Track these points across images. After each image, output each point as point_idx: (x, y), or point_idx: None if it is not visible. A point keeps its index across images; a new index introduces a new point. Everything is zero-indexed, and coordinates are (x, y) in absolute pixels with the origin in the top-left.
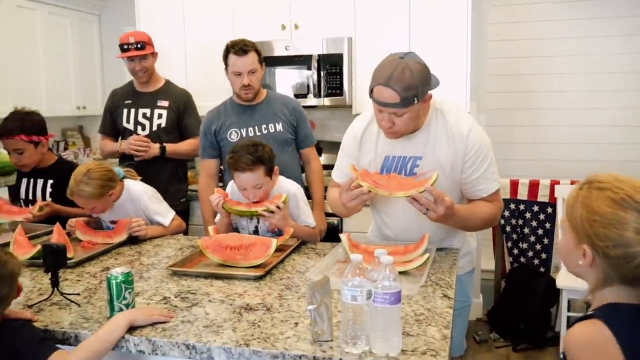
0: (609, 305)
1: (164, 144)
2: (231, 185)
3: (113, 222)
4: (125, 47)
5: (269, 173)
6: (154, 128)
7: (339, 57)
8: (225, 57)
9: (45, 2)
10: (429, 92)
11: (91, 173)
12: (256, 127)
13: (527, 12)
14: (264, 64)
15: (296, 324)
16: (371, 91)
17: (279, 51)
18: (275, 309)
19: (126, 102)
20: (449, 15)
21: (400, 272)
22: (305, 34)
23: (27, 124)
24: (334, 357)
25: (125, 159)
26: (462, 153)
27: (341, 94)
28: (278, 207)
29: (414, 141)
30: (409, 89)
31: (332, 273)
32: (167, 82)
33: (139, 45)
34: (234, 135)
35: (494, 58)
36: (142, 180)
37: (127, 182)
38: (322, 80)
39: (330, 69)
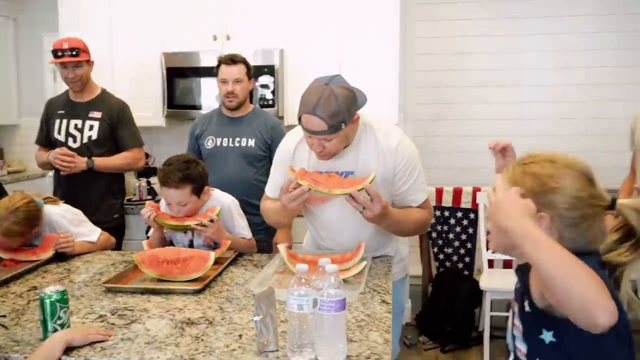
0: None
1: (92, 158)
2: (164, 202)
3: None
4: (59, 53)
5: (197, 192)
6: (85, 140)
7: (271, 68)
8: (217, 68)
9: None
10: (357, 112)
11: (19, 212)
12: (230, 139)
13: (451, 26)
14: (253, 80)
15: (240, 336)
16: (299, 118)
17: (210, 62)
18: (218, 322)
19: (59, 112)
20: (378, 28)
21: None
22: (237, 45)
23: None
24: None
25: (56, 170)
26: (392, 167)
27: (273, 105)
28: (211, 221)
29: (345, 157)
30: (335, 115)
31: (272, 284)
32: (103, 92)
33: (73, 52)
34: (209, 143)
35: (420, 71)
36: (71, 195)
37: (46, 207)
38: (254, 91)
39: (263, 80)
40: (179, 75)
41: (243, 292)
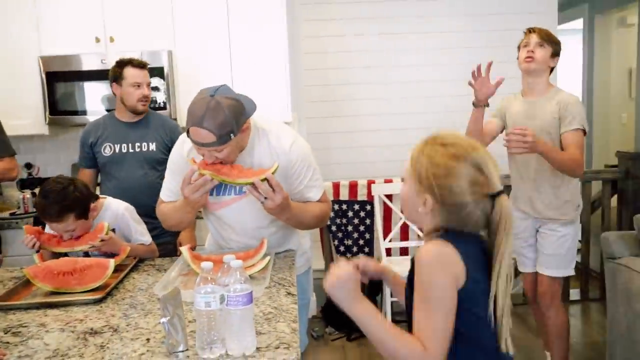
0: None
1: None
2: None
3: None
4: None
5: (82, 215)
6: None
7: (160, 70)
8: (120, 71)
9: None
10: (247, 119)
11: None
12: (130, 145)
13: (335, 26)
14: None
15: (148, 339)
16: (187, 131)
17: (93, 65)
18: (123, 329)
19: None
20: (267, 29)
21: None
22: (122, 47)
23: None
24: None
25: None
26: (288, 167)
27: (165, 107)
28: (102, 240)
29: (239, 162)
30: (223, 126)
31: (176, 286)
32: None
33: None
34: (107, 150)
35: (309, 70)
36: None
37: None
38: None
39: (153, 83)
40: (60, 80)
41: (147, 297)
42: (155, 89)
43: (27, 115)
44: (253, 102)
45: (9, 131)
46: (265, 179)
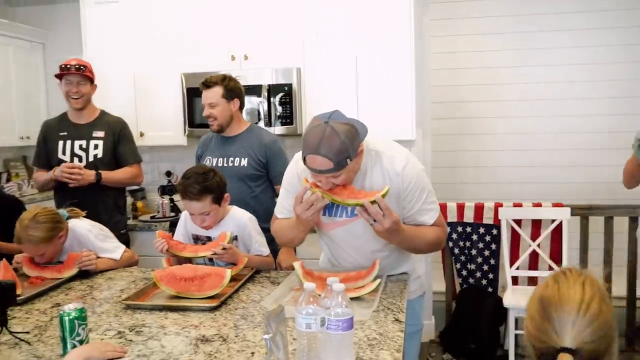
0: None
1: (99, 171)
2: (184, 215)
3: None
4: (65, 67)
5: (217, 201)
6: (91, 159)
7: (289, 86)
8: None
9: None
10: (361, 143)
11: (38, 217)
12: (224, 159)
13: (466, 42)
14: (236, 99)
15: (252, 353)
16: (304, 159)
17: None
18: (232, 339)
19: (61, 134)
20: (394, 45)
21: (352, 298)
22: (254, 65)
23: None
24: None
25: (61, 189)
26: (400, 189)
27: (292, 122)
28: (224, 249)
29: (353, 183)
30: (340, 152)
31: (286, 301)
32: (102, 113)
33: (79, 68)
34: (207, 163)
35: (436, 86)
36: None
37: (71, 222)
38: (272, 108)
39: (281, 99)
40: (198, 95)
41: (258, 309)
42: (283, 104)
43: (168, 127)
44: (364, 126)
45: (152, 142)
46: (375, 202)
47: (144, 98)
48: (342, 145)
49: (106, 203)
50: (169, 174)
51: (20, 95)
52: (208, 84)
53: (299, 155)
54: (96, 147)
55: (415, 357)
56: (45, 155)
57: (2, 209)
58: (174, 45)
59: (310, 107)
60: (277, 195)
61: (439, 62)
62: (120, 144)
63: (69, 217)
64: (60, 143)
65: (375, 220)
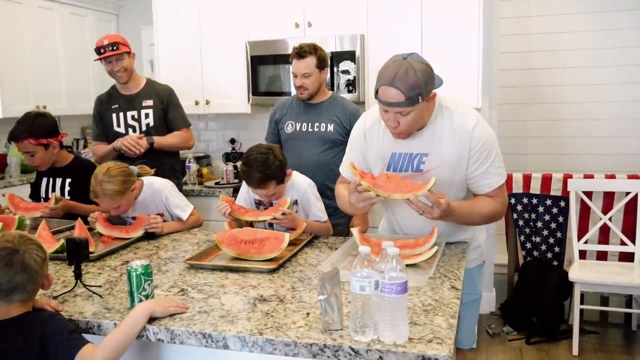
0: None
1: (152, 136)
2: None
3: (134, 218)
4: (102, 50)
5: (280, 182)
6: (144, 128)
7: (352, 54)
8: (291, 59)
9: (65, 3)
10: (433, 91)
11: (111, 171)
12: (309, 124)
13: (538, 6)
14: (326, 68)
15: (307, 314)
16: (376, 92)
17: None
18: (288, 300)
19: (113, 107)
20: (461, 11)
21: (410, 265)
22: (318, 32)
23: (35, 128)
24: (343, 345)
25: (117, 158)
26: (467, 149)
27: (354, 90)
28: (284, 214)
29: (420, 138)
30: (413, 87)
31: (343, 266)
32: (149, 82)
33: (113, 47)
34: (289, 127)
35: (505, 53)
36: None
37: (147, 178)
38: (336, 76)
39: (344, 66)
40: (263, 63)
41: (315, 272)
42: (346, 72)
43: (233, 95)
44: (440, 78)
45: (217, 109)
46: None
47: (210, 66)
48: (417, 81)
49: (163, 169)
50: (233, 141)
51: (95, 65)
52: (302, 53)
53: (367, 113)
54: (147, 116)
55: (472, 326)
56: (102, 129)
57: (79, 172)
58: (239, 14)
59: (374, 74)
60: None
61: (509, 27)
62: (169, 110)
63: (138, 175)
64: (114, 116)
65: (423, 212)
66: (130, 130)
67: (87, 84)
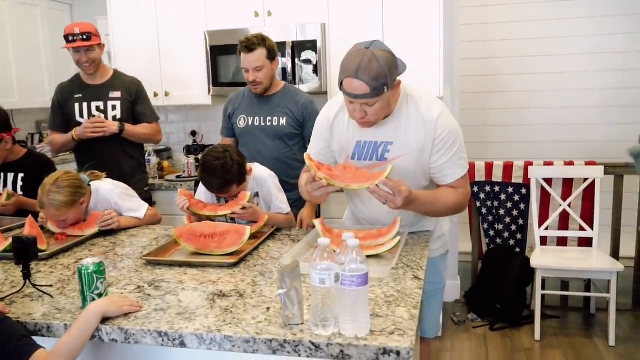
0: None
1: (123, 123)
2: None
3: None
4: (71, 38)
5: (241, 181)
6: (110, 120)
7: (313, 43)
8: (239, 53)
9: None
10: (398, 78)
11: (60, 182)
12: (261, 118)
13: None
14: (277, 58)
15: (268, 308)
16: (340, 83)
17: None
18: (248, 295)
19: (76, 96)
20: (422, 1)
21: (372, 256)
22: (278, 21)
23: None
24: (304, 340)
25: (83, 150)
26: (432, 138)
27: (315, 80)
28: (244, 208)
29: (385, 127)
30: (378, 78)
31: (306, 258)
32: (116, 73)
33: (84, 37)
34: (242, 122)
35: (466, 42)
36: (102, 170)
37: (94, 183)
38: (297, 67)
39: (305, 55)
40: (223, 53)
41: (277, 266)
42: (307, 61)
43: (193, 86)
44: (404, 63)
45: (177, 101)
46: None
47: (169, 57)
48: (381, 71)
49: (128, 162)
50: (194, 133)
51: (49, 56)
52: (250, 46)
53: (332, 102)
54: (114, 107)
55: (437, 315)
56: (62, 118)
57: (32, 167)
58: (198, 2)
59: (335, 64)
60: None
61: (468, 17)
62: (137, 103)
63: (90, 181)
64: (77, 106)
65: (386, 201)
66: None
67: (40, 77)
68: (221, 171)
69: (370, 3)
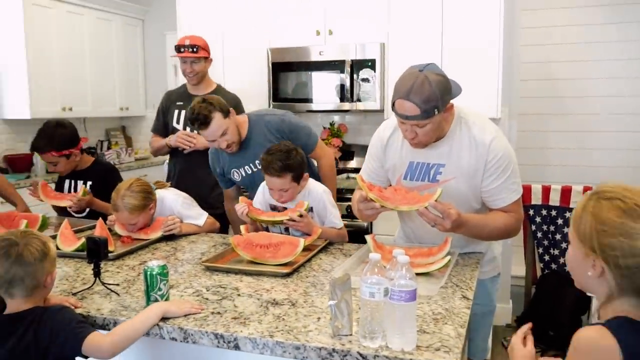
0: (619, 317)
1: None
2: (263, 186)
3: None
4: (181, 49)
5: (297, 179)
6: None
7: (372, 62)
8: (193, 129)
9: (93, 8)
10: (451, 101)
11: (133, 187)
12: (251, 165)
13: (560, 16)
14: (230, 110)
15: (318, 318)
16: (393, 104)
17: (313, 56)
18: (300, 305)
19: (178, 103)
20: (482, 20)
21: (422, 274)
22: (339, 40)
23: (56, 140)
24: (351, 350)
25: (174, 155)
26: (484, 162)
27: (373, 98)
28: (300, 215)
29: (437, 149)
30: (428, 101)
31: (356, 273)
32: (218, 88)
33: (193, 49)
34: (236, 176)
35: (527, 63)
36: (186, 182)
37: (159, 192)
38: (355, 85)
39: (364, 74)
40: (284, 70)
41: (328, 278)
42: (366, 80)
43: (253, 101)
44: (459, 86)
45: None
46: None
47: (232, 72)
48: (432, 95)
49: (211, 176)
50: None
51: (120, 68)
52: (204, 121)
53: (385, 124)
54: None
55: (486, 337)
56: (163, 124)
57: (99, 175)
58: (262, 21)
59: (393, 83)
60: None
61: (530, 37)
62: None
63: (155, 189)
64: (176, 112)
65: (435, 223)
66: (188, 129)
67: (111, 87)
68: (284, 155)
69: (430, 23)
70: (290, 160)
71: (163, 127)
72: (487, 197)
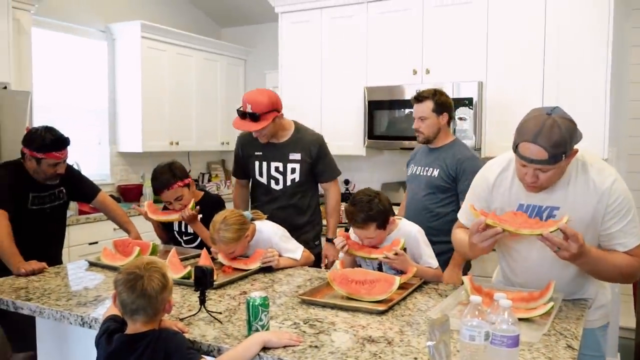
0: None
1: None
2: None
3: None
4: (243, 115)
5: (382, 226)
6: (288, 183)
7: (469, 100)
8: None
9: (200, 49)
10: (575, 147)
11: (227, 220)
12: (422, 168)
13: None
14: (445, 113)
15: (415, 358)
16: (516, 146)
17: (409, 95)
18: (396, 343)
19: (256, 153)
20: (587, 58)
21: (523, 319)
22: (435, 79)
23: (176, 171)
24: None
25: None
26: (604, 206)
27: (470, 137)
28: (396, 254)
29: (554, 192)
30: (558, 145)
31: (453, 314)
32: (298, 129)
33: (253, 118)
34: (409, 170)
35: (636, 100)
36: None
37: (258, 224)
38: (452, 123)
39: (460, 113)
40: (380, 108)
41: (424, 318)
42: (463, 119)
43: (349, 137)
44: (580, 132)
45: (333, 151)
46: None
47: (329, 109)
48: (562, 139)
49: (303, 219)
50: (347, 182)
51: (222, 105)
52: (419, 97)
53: (491, 162)
54: (293, 171)
55: None
56: (243, 170)
57: (208, 207)
58: (359, 60)
59: (492, 121)
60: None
61: (638, 74)
62: (318, 163)
63: (252, 219)
64: (257, 164)
65: (559, 248)
66: (272, 182)
67: (214, 123)
68: (366, 206)
69: (530, 62)
70: (373, 210)
71: (244, 173)
72: (606, 240)
